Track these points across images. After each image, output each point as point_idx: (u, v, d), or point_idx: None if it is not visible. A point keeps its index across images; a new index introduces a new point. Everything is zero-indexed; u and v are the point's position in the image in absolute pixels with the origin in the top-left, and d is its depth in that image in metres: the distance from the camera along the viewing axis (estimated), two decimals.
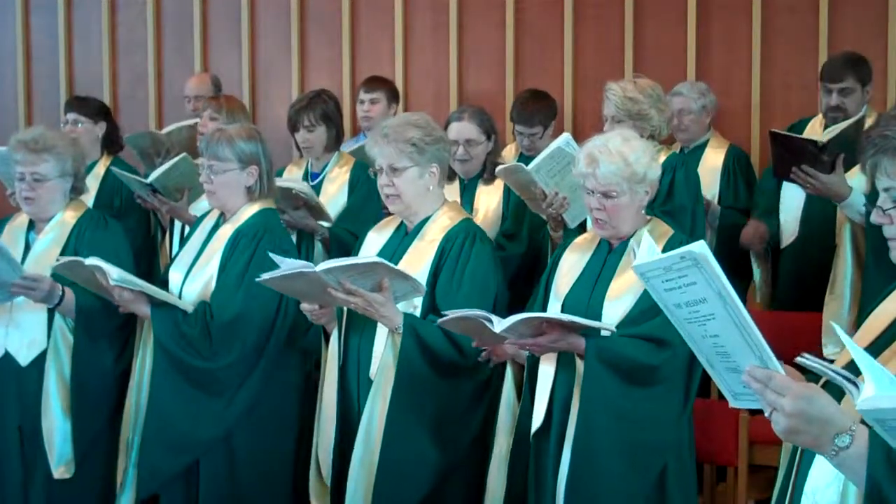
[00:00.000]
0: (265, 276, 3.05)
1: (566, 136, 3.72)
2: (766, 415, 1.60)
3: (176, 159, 4.30)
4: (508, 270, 3.83)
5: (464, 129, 4.19)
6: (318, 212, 4.12)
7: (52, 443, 3.56)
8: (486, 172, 4.27)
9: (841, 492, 1.64)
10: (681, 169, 3.82)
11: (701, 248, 1.51)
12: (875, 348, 1.75)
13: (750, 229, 4.46)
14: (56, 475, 3.56)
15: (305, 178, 4.51)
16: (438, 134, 3.33)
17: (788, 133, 4.06)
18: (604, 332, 2.90)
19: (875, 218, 1.78)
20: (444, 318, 2.93)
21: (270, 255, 3.09)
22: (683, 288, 1.54)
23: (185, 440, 3.37)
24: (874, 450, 1.50)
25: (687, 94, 4.85)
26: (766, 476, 3.74)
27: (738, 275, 4.46)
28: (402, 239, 3.33)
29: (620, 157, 2.93)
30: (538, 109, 4.82)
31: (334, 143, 4.50)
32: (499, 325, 2.76)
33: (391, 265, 3.00)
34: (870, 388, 1.42)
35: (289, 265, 3.02)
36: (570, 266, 3.11)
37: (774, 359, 1.57)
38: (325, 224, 4.19)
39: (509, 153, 4.91)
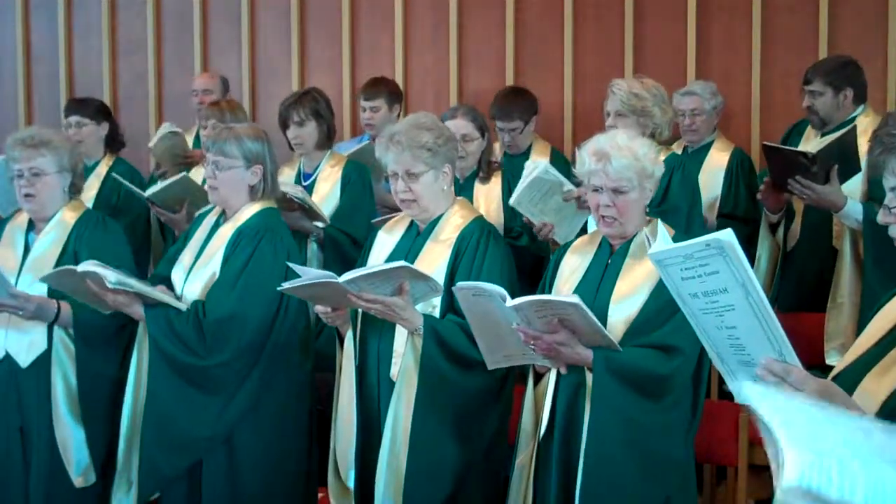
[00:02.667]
0: (286, 285, 3.06)
1: (544, 165, 3.74)
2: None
3: (173, 179, 4.31)
4: (524, 262, 3.92)
5: (458, 125, 4.20)
6: (312, 213, 4.12)
7: (68, 452, 3.56)
8: (482, 171, 4.28)
9: None
10: (678, 170, 3.82)
11: (728, 236, 1.48)
12: (878, 350, 1.74)
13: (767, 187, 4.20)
14: (77, 484, 3.57)
15: (298, 178, 4.51)
16: (448, 133, 3.34)
17: (779, 146, 4.08)
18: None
19: (882, 217, 1.77)
20: (460, 286, 2.89)
21: (290, 265, 3.10)
22: (704, 277, 1.51)
23: (184, 440, 3.36)
24: None
25: (701, 93, 4.85)
26: (766, 476, 3.74)
27: None
28: (415, 239, 3.33)
29: (630, 152, 2.93)
30: (516, 104, 4.85)
31: (325, 140, 4.49)
32: (511, 301, 2.73)
33: (415, 268, 3.00)
34: (792, 459, 1.04)
35: (311, 275, 3.03)
36: (573, 269, 3.10)
37: (793, 353, 1.56)
38: (320, 224, 4.19)
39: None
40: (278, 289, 3.11)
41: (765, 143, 4.13)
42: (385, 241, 3.41)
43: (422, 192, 3.24)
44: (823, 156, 3.86)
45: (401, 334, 3.17)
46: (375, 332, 3.25)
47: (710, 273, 1.49)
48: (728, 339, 1.59)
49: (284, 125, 4.45)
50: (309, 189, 4.38)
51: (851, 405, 1.53)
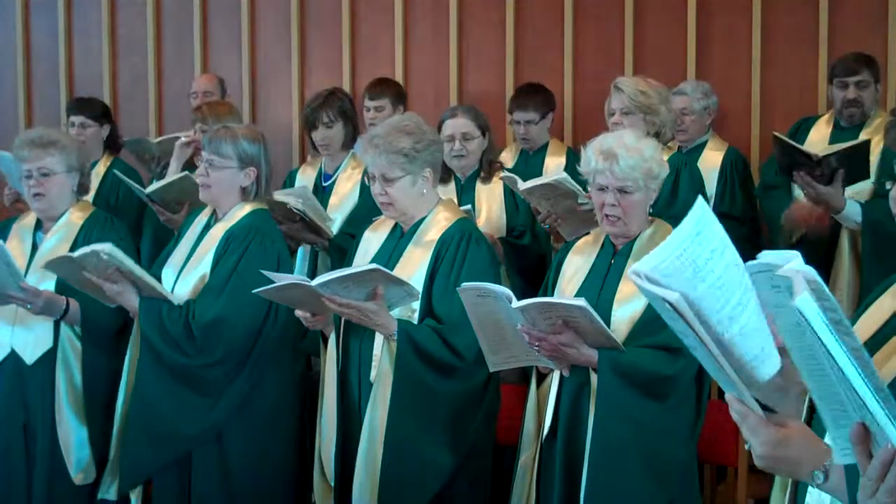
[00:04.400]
0: (260, 289, 3.09)
1: (566, 174, 3.72)
2: (747, 448, 1.60)
3: (176, 177, 4.32)
4: (526, 261, 3.98)
5: (458, 123, 4.21)
6: (314, 227, 4.10)
7: (69, 450, 3.58)
8: (483, 171, 4.27)
9: None
10: (685, 169, 3.81)
11: (678, 300, 1.42)
12: (871, 345, 1.73)
13: (797, 207, 4.16)
14: (76, 481, 3.59)
15: (319, 178, 4.52)
16: (429, 137, 3.31)
17: (790, 141, 4.08)
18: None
19: (895, 194, 1.76)
20: (465, 286, 2.88)
21: (264, 273, 3.11)
22: (668, 317, 1.51)
23: (169, 435, 3.38)
24: (852, 486, 1.45)
25: (691, 93, 4.85)
26: (766, 476, 3.74)
27: None
28: (398, 241, 3.32)
29: (638, 152, 2.94)
30: (533, 96, 4.87)
31: (350, 140, 4.50)
32: (517, 302, 2.74)
33: (388, 272, 3.01)
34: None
35: (283, 279, 3.04)
36: (575, 269, 3.10)
37: (749, 397, 1.54)
38: (326, 233, 4.17)
39: (508, 155, 4.91)
40: (254, 292, 3.12)
41: (776, 134, 4.13)
42: (370, 241, 3.41)
43: (397, 196, 3.23)
44: (833, 160, 3.87)
45: (380, 337, 3.18)
46: (357, 334, 3.25)
47: (672, 318, 1.48)
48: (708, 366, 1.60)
49: (312, 127, 4.44)
50: (329, 189, 4.39)
51: (814, 450, 1.52)
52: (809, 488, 1.70)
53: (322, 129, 4.42)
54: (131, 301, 3.36)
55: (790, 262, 1.36)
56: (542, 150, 4.87)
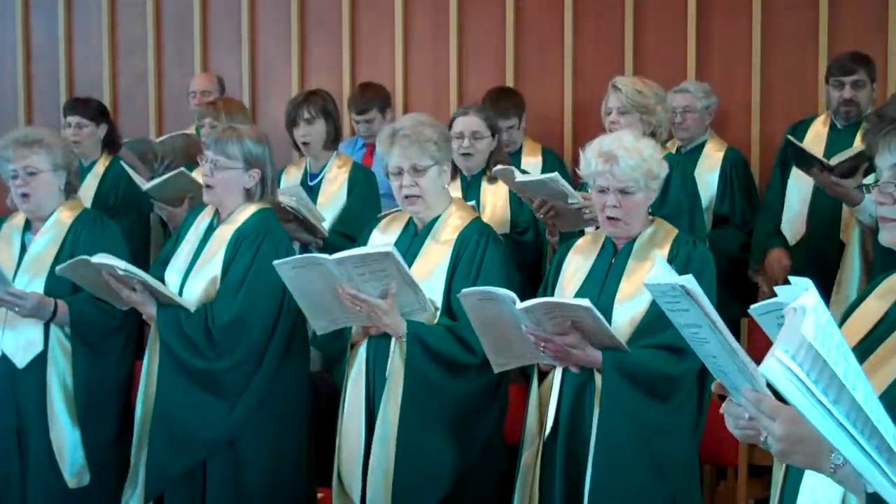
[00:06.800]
0: (279, 261, 3.09)
1: (556, 174, 3.73)
2: (762, 439, 1.60)
3: (171, 174, 4.32)
4: (527, 257, 3.99)
5: (469, 121, 4.21)
6: (308, 224, 4.10)
7: (62, 453, 3.56)
8: (490, 171, 4.27)
9: (843, 492, 1.63)
10: (677, 169, 3.80)
11: (690, 282, 1.53)
12: (861, 350, 1.72)
13: (773, 261, 4.39)
14: (70, 485, 3.57)
15: (304, 178, 4.50)
16: (447, 132, 3.38)
17: (802, 146, 4.10)
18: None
19: (875, 196, 1.75)
20: (466, 292, 2.89)
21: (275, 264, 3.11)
22: (681, 312, 1.57)
23: (191, 440, 3.37)
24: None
25: (693, 91, 4.87)
26: (766, 476, 3.74)
27: (738, 297, 4.26)
28: (413, 239, 3.32)
29: (638, 153, 2.94)
30: (509, 101, 4.89)
31: (333, 141, 4.50)
32: (522, 304, 2.74)
33: (401, 260, 3.00)
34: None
35: (299, 258, 3.04)
36: (576, 269, 3.10)
37: (764, 384, 1.57)
38: (320, 231, 4.17)
39: None
40: (273, 263, 3.11)
41: (788, 137, 4.18)
42: (380, 241, 3.39)
43: (427, 187, 3.23)
44: (842, 168, 3.89)
45: None
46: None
47: (683, 310, 1.56)
48: (715, 366, 1.64)
49: (293, 124, 4.44)
50: (315, 189, 4.38)
51: None
52: (801, 488, 1.69)
53: (303, 125, 4.41)
54: (150, 312, 3.35)
55: (801, 297, 1.40)
56: (518, 151, 4.88)
